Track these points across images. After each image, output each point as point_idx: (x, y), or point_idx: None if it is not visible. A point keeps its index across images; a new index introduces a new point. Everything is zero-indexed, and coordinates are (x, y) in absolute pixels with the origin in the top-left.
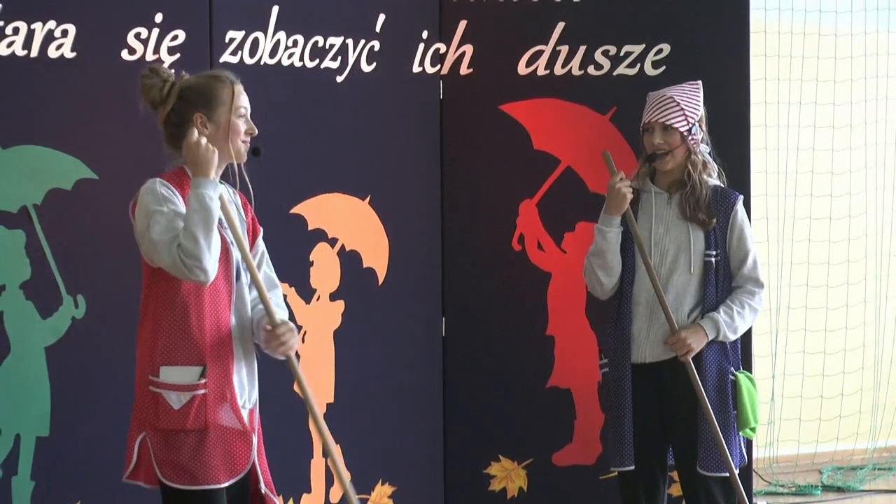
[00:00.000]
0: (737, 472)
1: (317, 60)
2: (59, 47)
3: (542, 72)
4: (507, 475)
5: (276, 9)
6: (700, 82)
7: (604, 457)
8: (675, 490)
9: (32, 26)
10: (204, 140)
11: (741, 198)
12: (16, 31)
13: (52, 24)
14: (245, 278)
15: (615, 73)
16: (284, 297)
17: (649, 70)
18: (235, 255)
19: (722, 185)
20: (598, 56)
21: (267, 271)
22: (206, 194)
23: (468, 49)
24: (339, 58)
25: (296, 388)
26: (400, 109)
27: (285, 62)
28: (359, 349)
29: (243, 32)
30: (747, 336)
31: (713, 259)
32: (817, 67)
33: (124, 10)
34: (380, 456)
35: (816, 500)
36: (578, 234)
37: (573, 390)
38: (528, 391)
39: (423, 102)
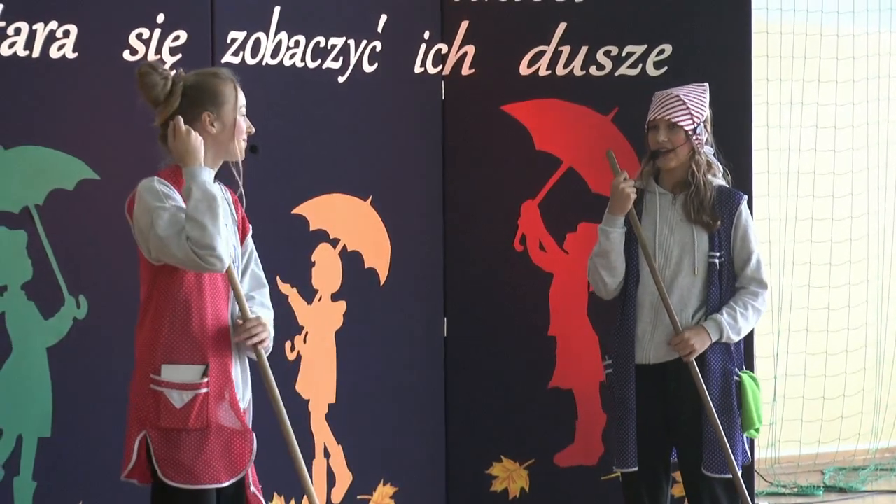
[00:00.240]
0: (740, 472)
1: (318, 61)
2: (60, 48)
3: (543, 72)
4: (509, 476)
5: (277, 9)
6: (707, 85)
7: (606, 457)
8: (677, 490)
9: (34, 27)
10: (192, 131)
11: (745, 198)
12: (17, 31)
13: (53, 24)
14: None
15: (617, 74)
16: (286, 297)
17: (651, 71)
18: (231, 252)
19: (727, 185)
20: (599, 56)
21: (255, 270)
22: (205, 181)
23: (470, 49)
24: (341, 58)
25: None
26: (401, 110)
27: (287, 63)
28: (360, 349)
29: (245, 33)
30: (749, 337)
31: (717, 260)
32: (819, 68)
33: (126, 10)
34: (381, 456)
35: (818, 501)
36: (580, 234)
37: (575, 391)
38: (529, 392)
39: (425, 103)
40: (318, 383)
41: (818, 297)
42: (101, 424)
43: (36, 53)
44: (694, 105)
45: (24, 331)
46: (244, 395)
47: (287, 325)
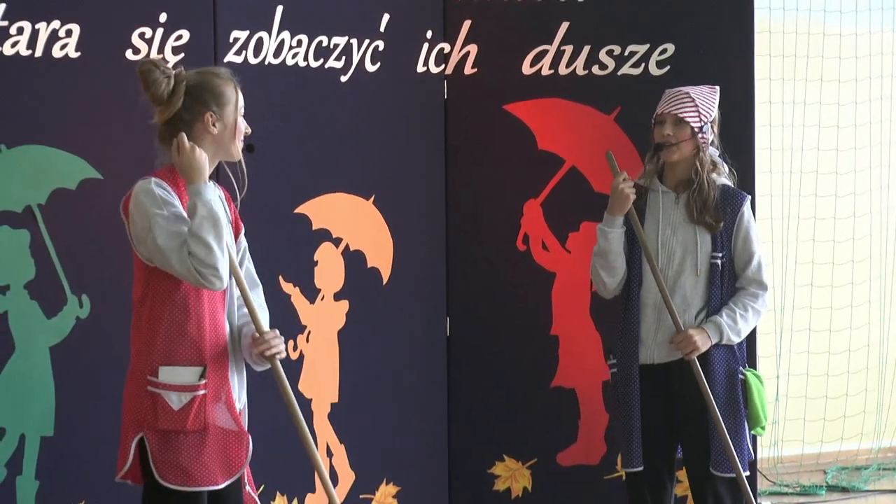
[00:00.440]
0: (746, 471)
1: (321, 60)
2: (63, 47)
3: (546, 72)
4: (512, 475)
5: (280, 9)
6: (718, 88)
7: (608, 457)
8: (679, 490)
9: (37, 26)
10: (196, 147)
11: (749, 199)
12: (20, 30)
13: (56, 23)
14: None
15: (620, 73)
16: (288, 297)
17: (654, 70)
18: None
19: (731, 184)
20: (602, 56)
21: (249, 268)
22: (211, 199)
23: (472, 49)
24: (344, 58)
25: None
26: (404, 109)
27: (289, 62)
28: (363, 349)
29: (247, 32)
30: (752, 336)
31: (719, 261)
32: (822, 67)
33: (128, 9)
34: (384, 456)
35: (821, 501)
36: (583, 233)
37: (577, 390)
38: (532, 391)
39: (428, 102)
40: (321, 383)
41: (821, 297)
42: (104, 424)
43: (38, 53)
44: (703, 104)
45: (26, 330)
46: (240, 397)
47: (290, 324)
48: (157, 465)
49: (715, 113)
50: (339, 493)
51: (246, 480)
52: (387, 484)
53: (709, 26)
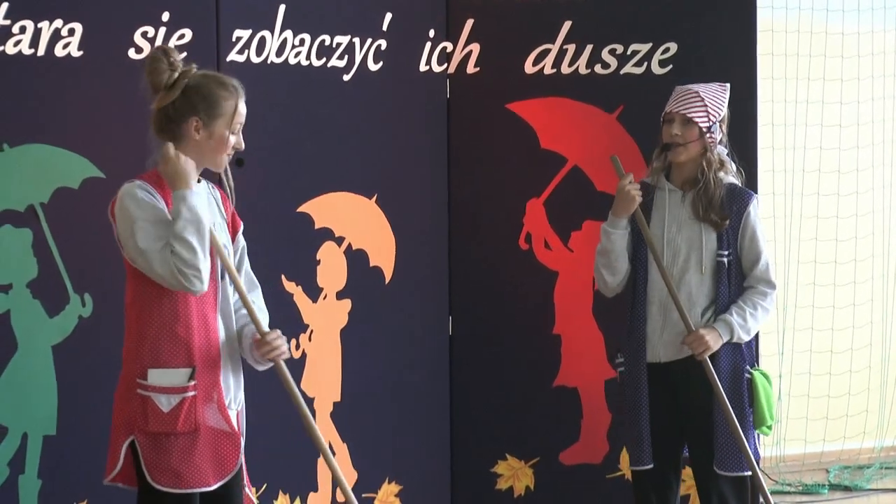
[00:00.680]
0: (749, 472)
1: (323, 59)
2: (65, 46)
3: (548, 70)
4: (514, 474)
5: (282, 8)
6: (728, 85)
7: (611, 456)
8: (682, 488)
9: (39, 25)
10: (182, 155)
11: (755, 198)
12: (22, 29)
13: (58, 22)
14: (228, 277)
15: (622, 72)
16: (291, 296)
17: (656, 69)
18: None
19: (738, 183)
20: (604, 55)
21: (247, 269)
22: (195, 204)
23: (475, 48)
24: (346, 56)
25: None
26: (406, 108)
27: (292, 61)
28: (365, 348)
29: (250, 31)
30: (755, 335)
31: (725, 259)
32: (824, 66)
33: (131, 8)
34: (386, 454)
35: (823, 499)
36: (585, 232)
37: (580, 389)
38: (534, 390)
39: (430, 101)
40: (323, 382)
41: (823, 296)
42: (106, 423)
43: (41, 52)
44: (712, 103)
45: (29, 329)
46: (236, 397)
47: (292, 323)
48: (148, 468)
49: (724, 111)
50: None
51: (245, 482)
52: (389, 483)
53: (711, 25)
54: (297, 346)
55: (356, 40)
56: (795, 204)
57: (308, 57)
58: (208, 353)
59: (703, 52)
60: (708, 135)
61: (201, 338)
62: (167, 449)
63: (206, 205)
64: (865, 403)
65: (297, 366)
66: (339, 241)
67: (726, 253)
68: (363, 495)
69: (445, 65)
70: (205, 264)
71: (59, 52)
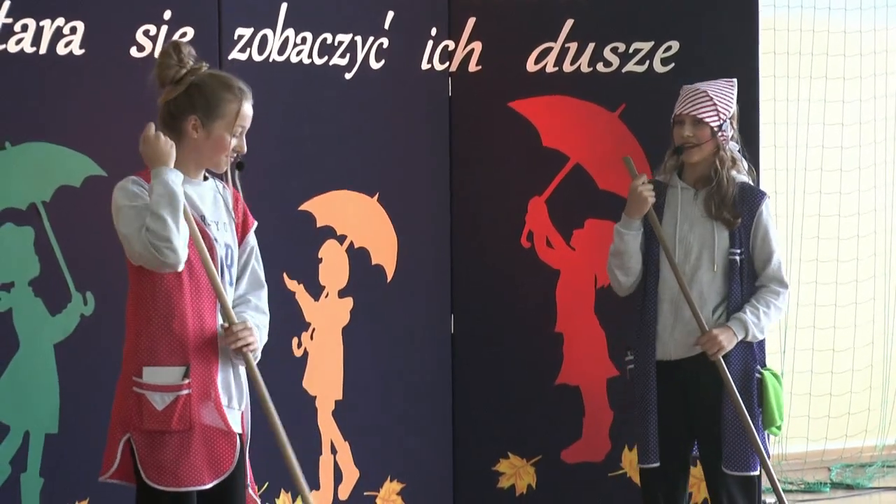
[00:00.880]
0: (758, 471)
1: (325, 57)
2: (67, 44)
3: (550, 69)
4: (516, 472)
5: (284, 6)
6: (735, 80)
7: (612, 454)
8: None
9: (41, 23)
10: (161, 135)
11: (768, 197)
12: (24, 28)
13: (60, 21)
14: (227, 276)
15: (624, 71)
16: (293, 294)
17: (658, 67)
18: (219, 252)
19: (750, 181)
20: (606, 53)
21: (255, 268)
22: (169, 179)
23: (477, 46)
24: (348, 55)
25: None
26: (408, 107)
27: (294, 59)
28: (367, 346)
29: (252, 29)
30: None
31: (737, 257)
32: (826, 64)
33: (133, 7)
34: (388, 453)
35: (825, 498)
36: (587, 231)
37: (582, 387)
38: (536, 388)
39: (432, 100)
40: (325, 380)
41: (825, 294)
42: (108, 421)
43: (43, 50)
44: (721, 101)
45: (31, 327)
46: (240, 396)
47: (294, 321)
48: (143, 466)
49: (733, 108)
50: (344, 490)
51: (249, 482)
52: (391, 481)
53: (713, 23)
54: (300, 345)
55: (358, 39)
56: (797, 202)
57: (310, 55)
58: (204, 351)
59: (705, 50)
60: (720, 133)
61: (196, 336)
62: (161, 447)
63: (179, 182)
64: (867, 402)
65: (299, 364)
66: (341, 239)
67: (738, 251)
68: (365, 493)
69: (447, 63)
70: (178, 237)
71: (61, 50)
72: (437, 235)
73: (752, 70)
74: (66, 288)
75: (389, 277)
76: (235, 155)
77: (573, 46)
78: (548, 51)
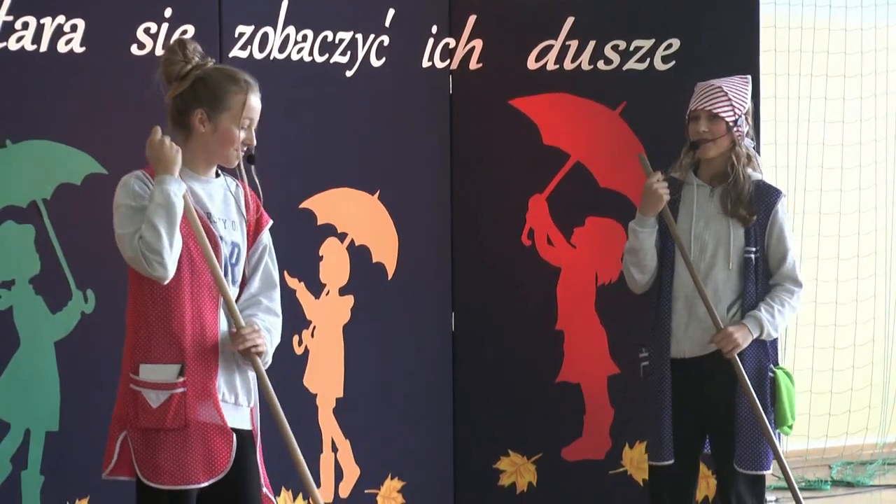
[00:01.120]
0: (769, 470)
1: (326, 55)
2: (68, 42)
3: (551, 67)
4: (517, 470)
5: (285, 4)
6: (749, 77)
7: (613, 452)
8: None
9: (42, 21)
10: (167, 139)
11: (783, 196)
12: (25, 25)
13: (61, 19)
14: (231, 274)
15: (625, 68)
16: (293, 292)
17: (659, 65)
18: (224, 250)
19: (765, 180)
20: (607, 51)
21: (268, 267)
22: (170, 190)
23: (477, 44)
24: (349, 53)
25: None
26: (409, 104)
27: (294, 57)
28: (368, 344)
29: (253, 27)
30: None
31: (752, 255)
32: (827, 62)
33: (133, 4)
34: (389, 450)
35: (826, 495)
36: (588, 228)
37: (582, 385)
38: (537, 386)
39: (433, 97)
40: (326, 378)
41: (826, 292)
42: (109, 419)
43: (43, 48)
44: (736, 97)
45: (31, 325)
46: (248, 395)
47: (295, 319)
48: (139, 464)
49: (748, 104)
50: (345, 488)
51: (263, 482)
52: (392, 479)
53: (714, 21)
54: (300, 343)
55: (359, 36)
56: (798, 200)
57: (311, 53)
58: (203, 349)
59: (706, 48)
60: (735, 129)
61: (195, 334)
62: (156, 445)
63: (181, 193)
64: (868, 399)
65: (300, 362)
66: (342, 237)
67: (753, 249)
68: (366, 491)
69: (448, 61)
70: (169, 252)
71: (62, 48)
72: (437, 233)
73: (753, 68)
74: (67, 286)
75: (390, 275)
76: (245, 148)
77: (574, 44)
78: (548, 48)
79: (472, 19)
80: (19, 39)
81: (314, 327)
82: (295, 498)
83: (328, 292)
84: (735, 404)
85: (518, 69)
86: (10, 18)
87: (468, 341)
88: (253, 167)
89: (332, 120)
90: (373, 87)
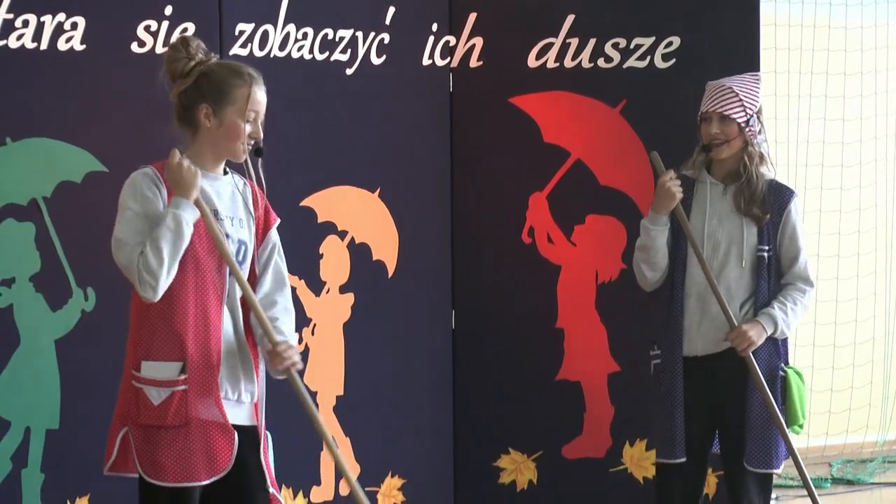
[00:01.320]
0: (780, 469)
1: (326, 53)
2: (68, 40)
3: (551, 64)
4: (517, 468)
5: (285, 1)
6: (760, 74)
7: (613, 449)
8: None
9: (42, 19)
10: (186, 162)
11: (796, 196)
12: (25, 23)
13: (61, 16)
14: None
15: (625, 66)
16: (294, 289)
17: (659, 63)
18: (230, 248)
19: (778, 179)
20: (607, 49)
21: (278, 265)
22: (183, 217)
23: (478, 42)
24: (349, 50)
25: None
26: (410, 102)
27: (295, 55)
28: (368, 342)
29: (253, 25)
30: None
31: (765, 254)
32: (827, 60)
33: (134, 2)
34: (389, 448)
35: (826, 493)
36: (588, 226)
37: (583, 383)
38: (537, 384)
39: (433, 95)
40: (326, 375)
41: (826, 290)
42: (109, 417)
43: (44, 46)
44: (747, 96)
45: (32, 323)
46: (251, 392)
47: (295, 317)
48: (140, 461)
49: (759, 102)
50: (345, 486)
51: (269, 481)
52: (392, 476)
53: (714, 19)
54: (300, 341)
55: (359, 34)
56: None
57: (311, 51)
58: (206, 347)
59: (707, 46)
60: (747, 128)
61: (198, 331)
62: (157, 442)
63: (192, 221)
64: (868, 397)
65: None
66: (342, 234)
67: (766, 248)
68: (366, 489)
69: (448, 59)
70: (164, 279)
71: (62, 46)
72: (438, 231)
73: (753, 66)
74: (67, 283)
75: (390, 273)
76: (252, 142)
77: (574, 42)
78: (549, 46)
79: (472, 17)
80: (19, 37)
81: (314, 325)
82: (295, 496)
83: (328, 290)
84: (748, 402)
85: (518, 67)
86: (11, 16)
87: (468, 339)
88: (260, 161)
89: (333, 118)
90: (373, 85)
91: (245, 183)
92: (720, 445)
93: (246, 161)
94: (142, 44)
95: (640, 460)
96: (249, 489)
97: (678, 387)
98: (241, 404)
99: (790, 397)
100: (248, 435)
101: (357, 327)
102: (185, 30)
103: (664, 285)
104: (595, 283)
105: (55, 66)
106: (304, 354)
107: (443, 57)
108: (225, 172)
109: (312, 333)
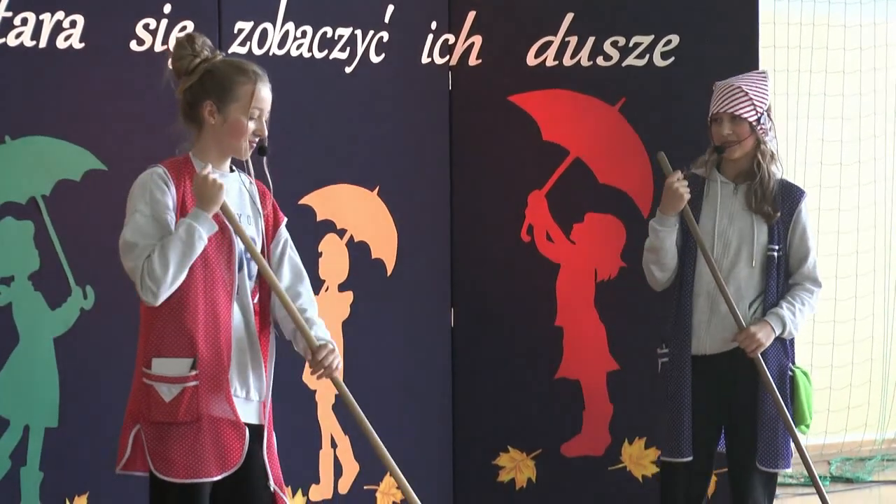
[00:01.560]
0: (789, 468)
1: (325, 51)
2: (67, 38)
3: (551, 62)
4: (516, 466)
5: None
6: (767, 72)
7: (612, 448)
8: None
9: (41, 17)
10: (212, 177)
11: (806, 196)
12: (24, 21)
13: (60, 14)
14: (246, 269)
15: (624, 64)
16: None
17: (658, 61)
18: (238, 245)
19: (787, 179)
20: (606, 47)
21: (293, 258)
22: (197, 230)
23: (477, 40)
24: (348, 49)
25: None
26: (409, 100)
27: (294, 53)
28: (367, 340)
29: (252, 23)
30: None
31: (775, 254)
32: (826, 58)
33: (132, 0)
34: (388, 446)
35: (825, 491)
36: (587, 224)
37: (582, 381)
38: (536, 382)
39: (432, 93)
40: None
41: (825, 288)
42: (108, 415)
43: (43, 44)
44: (756, 95)
45: (31, 321)
46: (259, 389)
47: None
48: (152, 458)
49: (769, 100)
50: (344, 484)
51: (273, 479)
52: (391, 475)
53: (713, 17)
54: None
55: (358, 32)
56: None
57: (310, 49)
58: (216, 344)
59: (706, 44)
60: (759, 127)
61: (208, 328)
62: (168, 438)
63: (206, 237)
64: (867, 396)
65: (300, 358)
66: (341, 233)
67: (777, 247)
68: (365, 487)
69: (447, 57)
70: (167, 287)
71: (61, 44)
72: (437, 229)
73: (752, 64)
74: (66, 282)
75: (389, 271)
76: (257, 140)
77: (573, 40)
78: (548, 44)
79: (471, 15)
80: (18, 35)
81: None
82: (294, 494)
83: (327, 288)
84: (757, 402)
85: (517, 65)
86: (10, 14)
87: (467, 337)
88: (265, 159)
89: (332, 116)
90: (372, 83)
91: (251, 180)
92: (727, 444)
93: (248, 161)
94: (141, 42)
95: (638, 458)
96: (252, 487)
97: (686, 385)
98: (249, 402)
99: (798, 397)
100: (254, 433)
101: (356, 326)
102: (183, 28)
103: (673, 284)
104: (594, 282)
105: (54, 65)
106: None
107: (442, 55)
108: (231, 170)
109: None
